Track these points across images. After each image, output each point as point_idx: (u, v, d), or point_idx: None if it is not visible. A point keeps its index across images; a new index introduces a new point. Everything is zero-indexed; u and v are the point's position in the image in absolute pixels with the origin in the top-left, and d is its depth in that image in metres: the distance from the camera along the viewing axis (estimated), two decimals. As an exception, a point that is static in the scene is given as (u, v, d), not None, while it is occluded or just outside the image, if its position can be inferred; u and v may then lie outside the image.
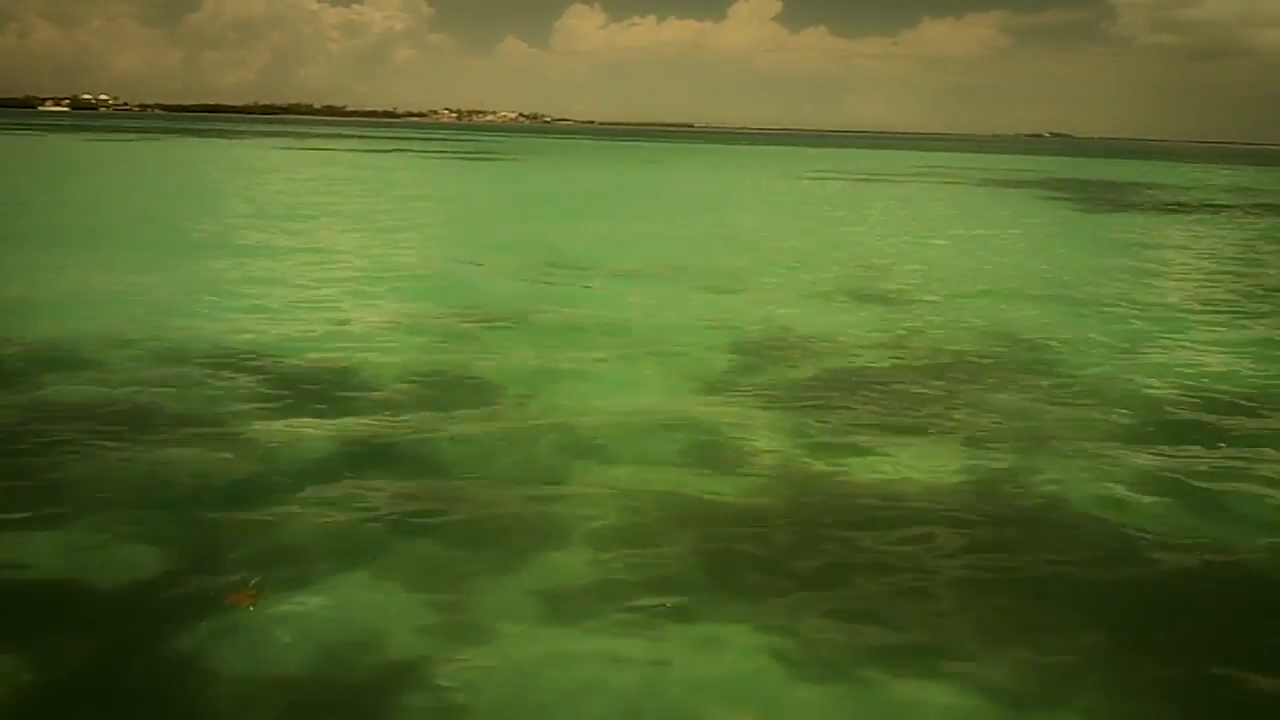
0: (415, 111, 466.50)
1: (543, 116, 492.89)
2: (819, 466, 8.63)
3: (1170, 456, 9.15)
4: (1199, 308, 17.43)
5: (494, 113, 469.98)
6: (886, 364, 12.41)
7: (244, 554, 6.61)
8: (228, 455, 8.42)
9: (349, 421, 9.43)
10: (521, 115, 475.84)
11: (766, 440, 9.27)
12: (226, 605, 5.89)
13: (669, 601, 6.17)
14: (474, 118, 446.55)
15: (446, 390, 10.70)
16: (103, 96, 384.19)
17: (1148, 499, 8.03)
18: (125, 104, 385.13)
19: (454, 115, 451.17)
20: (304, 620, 5.82)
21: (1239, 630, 6.14)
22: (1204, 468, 8.87)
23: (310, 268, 18.73)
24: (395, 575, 6.43)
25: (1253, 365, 12.96)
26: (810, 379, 11.65)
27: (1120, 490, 8.21)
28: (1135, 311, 16.80)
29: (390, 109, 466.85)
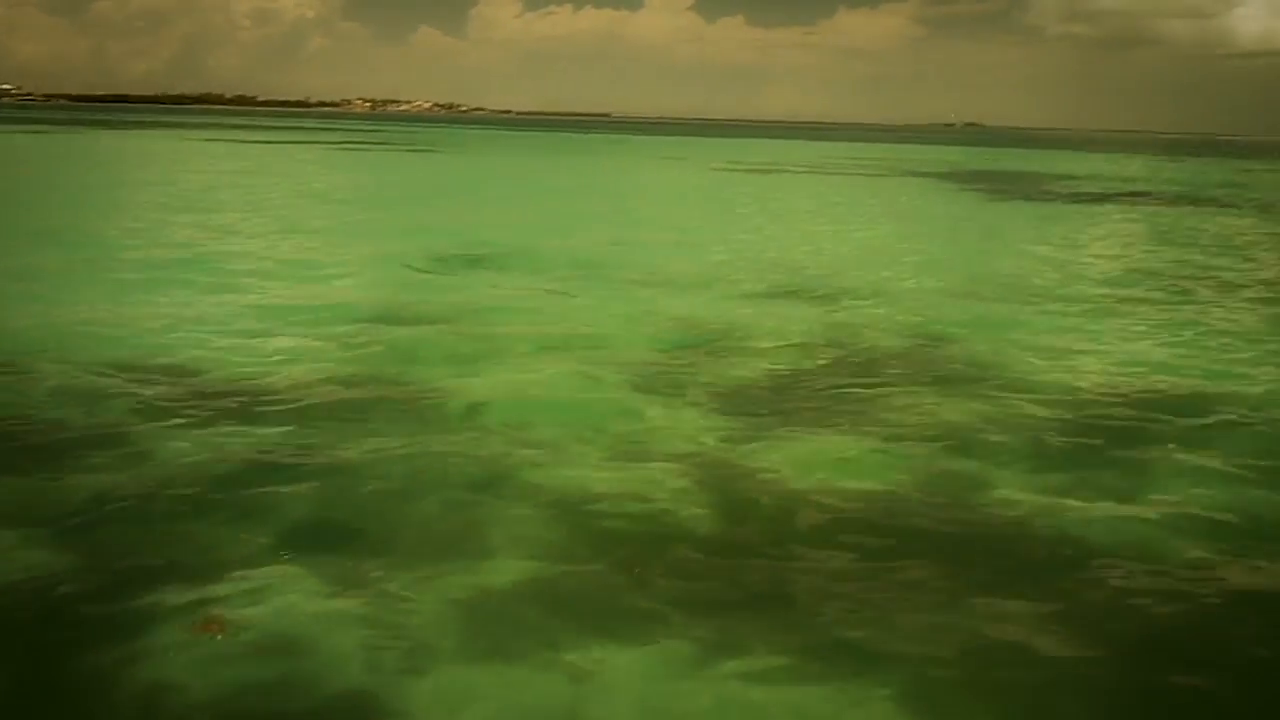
0: (328, 101, 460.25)
1: (458, 106, 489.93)
2: (742, 466, 8.54)
3: (1091, 451, 9.19)
4: (1116, 299, 17.61)
5: (409, 102, 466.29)
6: (809, 361, 12.34)
7: (156, 572, 6.32)
8: (136, 471, 8.06)
9: (261, 432, 9.13)
10: (437, 105, 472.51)
11: (687, 440, 9.18)
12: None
13: (597, 608, 6.07)
14: (388, 108, 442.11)
15: (363, 396, 10.38)
16: (5, 86, 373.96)
17: (1072, 496, 8.05)
18: (29, 94, 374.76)
19: (368, 105, 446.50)
20: (220, 640, 5.58)
21: (1163, 625, 6.16)
22: (1121, 462, 8.90)
23: (217, 270, 18.14)
24: (314, 590, 6.19)
25: (1168, 357, 13.08)
26: (734, 377, 11.51)
27: (1044, 486, 8.23)
28: (1054, 304, 16.91)
29: (303, 99, 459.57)
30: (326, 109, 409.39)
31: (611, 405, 10.24)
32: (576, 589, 6.34)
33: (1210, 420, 10.27)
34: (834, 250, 23.73)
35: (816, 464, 8.58)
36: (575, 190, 42.62)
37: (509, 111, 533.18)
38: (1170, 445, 9.46)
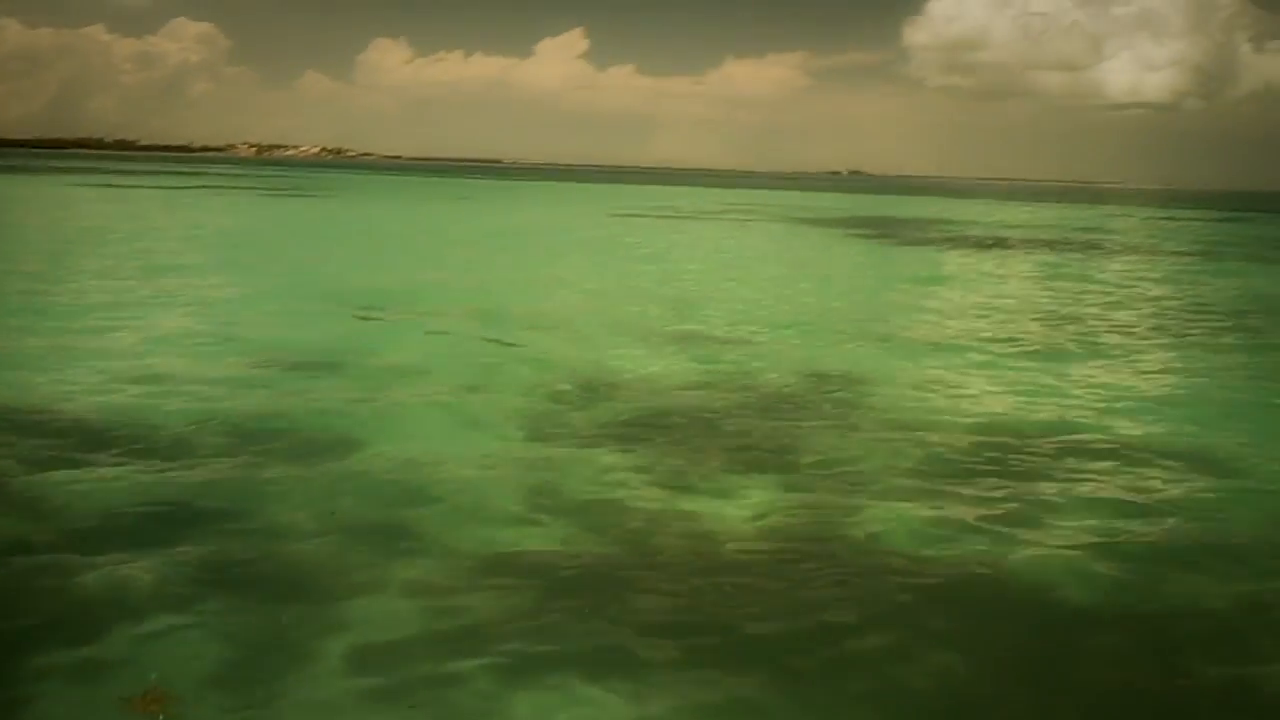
0: (212, 146, 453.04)
1: (346, 151, 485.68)
2: (637, 506, 8.49)
3: (973, 485, 9.31)
4: (998, 339, 17.91)
5: (295, 147, 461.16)
6: (701, 403, 12.28)
7: (42, 615, 6.15)
8: (22, 514, 7.78)
9: (150, 475, 8.85)
10: (324, 150, 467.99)
11: (578, 480, 9.12)
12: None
13: (492, 650, 5.95)
14: (274, 152, 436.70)
15: (254, 439, 10.10)
16: None
17: (953, 531, 8.12)
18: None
19: (253, 149, 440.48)
20: (105, 682, 5.41)
21: (1046, 654, 6.21)
22: (1003, 495, 9.03)
23: (99, 314, 17.64)
24: (205, 633, 6.04)
25: (1046, 394, 13.34)
26: (624, 417, 11.45)
27: (927, 522, 8.29)
28: (937, 344, 17.20)
29: (186, 143, 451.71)
30: (211, 153, 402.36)
31: (501, 448, 10.13)
32: (467, 629, 6.23)
33: (1085, 454, 10.49)
34: (726, 293, 23.84)
35: (706, 502, 8.55)
36: (467, 235, 42.31)
37: (398, 157, 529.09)
38: (1050, 479, 9.62)
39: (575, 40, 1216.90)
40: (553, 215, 63.06)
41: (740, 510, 8.46)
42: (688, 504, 8.59)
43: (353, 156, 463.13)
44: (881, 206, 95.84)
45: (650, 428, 11.10)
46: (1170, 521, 8.56)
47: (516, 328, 17.51)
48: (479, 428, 10.99)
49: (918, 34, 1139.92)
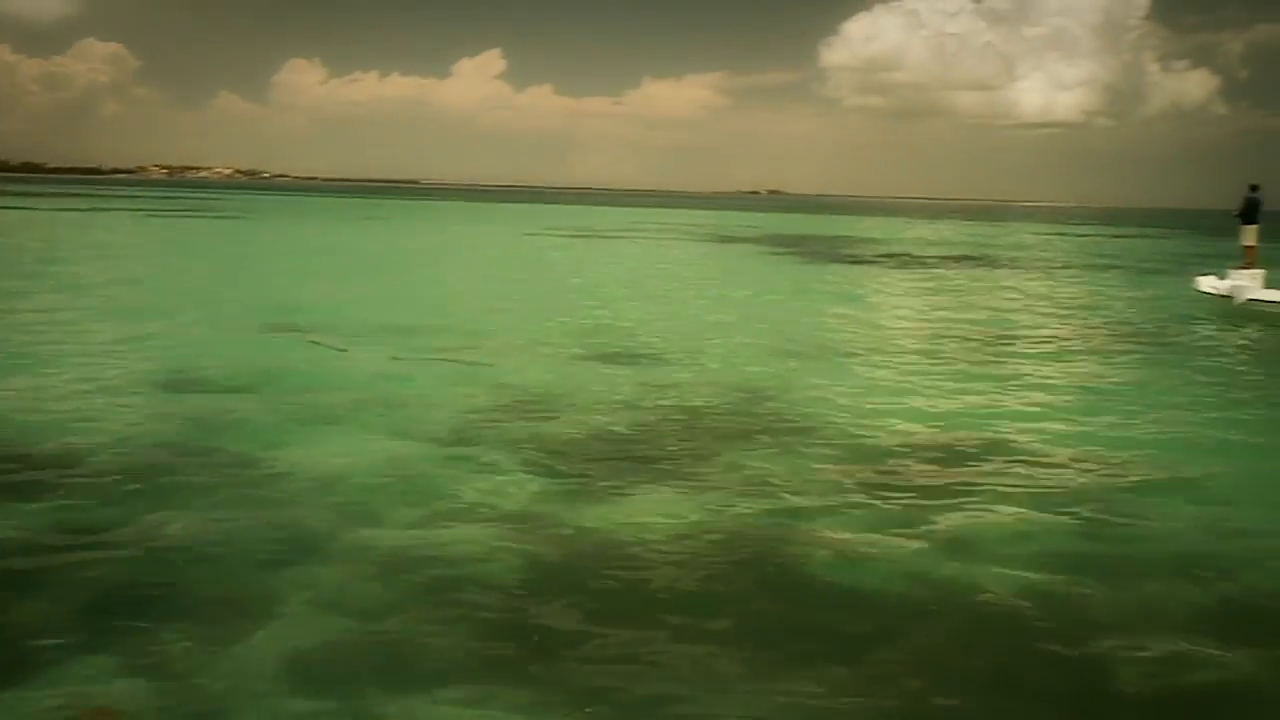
0: (123, 168, 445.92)
1: (261, 173, 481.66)
2: (559, 524, 8.32)
3: (898, 499, 9.25)
4: (918, 354, 17.97)
5: (208, 168, 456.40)
6: (625, 421, 12.09)
7: None
8: None
9: (58, 503, 8.51)
10: (238, 171, 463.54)
11: (503, 502, 8.89)
12: None
13: (414, 670, 5.81)
14: (186, 174, 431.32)
15: (168, 463, 9.76)
16: None
17: (881, 545, 8.04)
18: None
19: (164, 171, 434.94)
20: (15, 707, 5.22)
21: (975, 662, 6.16)
22: (923, 508, 8.96)
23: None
24: (119, 659, 5.83)
25: (968, 408, 13.31)
26: (547, 438, 11.19)
27: (847, 532, 8.26)
28: (860, 359, 17.17)
29: (96, 165, 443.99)
30: (121, 176, 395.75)
31: (427, 469, 9.86)
32: (390, 652, 6.01)
33: (1003, 462, 10.52)
34: (648, 311, 23.72)
35: (632, 521, 8.37)
36: (385, 256, 41.92)
37: (314, 178, 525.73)
38: (971, 488, 9.60)
39: (493, 61, 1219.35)
40: (471, 235, 62.83)
41: (657, 524, 8.30)
42: (605, 519, 8.42)
43: (268, 178, 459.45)
44: (800, 225, 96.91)
45: (566, 442, 10.92)
46: (1084, 524, 8.60)
47: (431, 345, 17.20)
48: (390, 445, 10.71)
49: (834, 54, 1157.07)
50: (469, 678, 5.77)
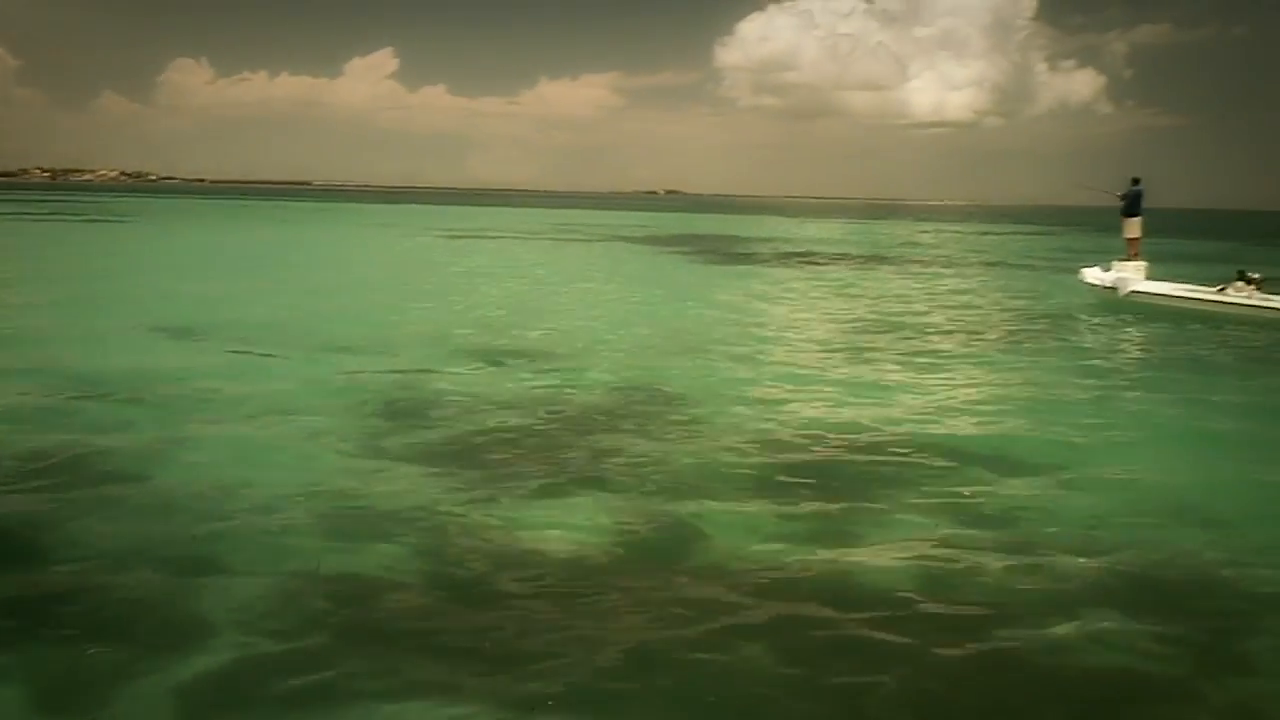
0: (3, 171, 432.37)
1: (147, 175, 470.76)
2: (457, 526, 8.24)
3: (799, 494, 9.30)
4: (812, 352, 18.13)
5: (93, 171, 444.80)
6: (520, 421, 11.98)
7: None
8: None
9: None
10: (124, 174, 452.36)
11: (402, 505, 8.76)
12: None
13: (320, 683, 5.72)
14: (70, 177, 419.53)
15: (51, 471, 9.52)
16: None
17: (781, 539, 8.08)
18: None
19: (47, 175, 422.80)
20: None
21: (879, 650, 6.20)
22: (826, 504, 9.02)
23: None
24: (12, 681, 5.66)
25: (867, 403, 13.42)
26: (445, 439, 11.09)
27: (759, 533, 8.25)
28: (760, 356, 17.25)
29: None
30: (1, 179, 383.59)
31: (323, 473, 9.68)
32: (293, 666, 5.89)
33: (900, 459, 10.60)
34: (545, 311, 23.59)
35: (532, 520, 8.33)
36: (278, 260, 41.12)
37: (203, 180, 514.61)
38: (876, 484, 9.68)
39: (385, 60, 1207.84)
40: (366, 237, 61.97)
41: (562, 527, 8.25)
42: (508, 522, 8.34)
43: (155, 180, 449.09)
44: (699, 225, 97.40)
45: (469, 446, 10.79)
46: (989, 519, 8.68)
47: (327, 350, 16.87)
48: (289, 452, 10.51)
49: (729, 54, 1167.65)
50: (377, 688, 5.67)
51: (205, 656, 5.96)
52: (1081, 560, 7.75)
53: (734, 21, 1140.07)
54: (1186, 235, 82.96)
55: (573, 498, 9.07)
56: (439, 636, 6.29)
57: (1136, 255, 27.38)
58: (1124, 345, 20.26)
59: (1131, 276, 26.25)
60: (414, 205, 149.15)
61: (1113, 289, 26.25)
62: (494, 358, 16.51)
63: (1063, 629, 6.54)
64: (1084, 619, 6.67)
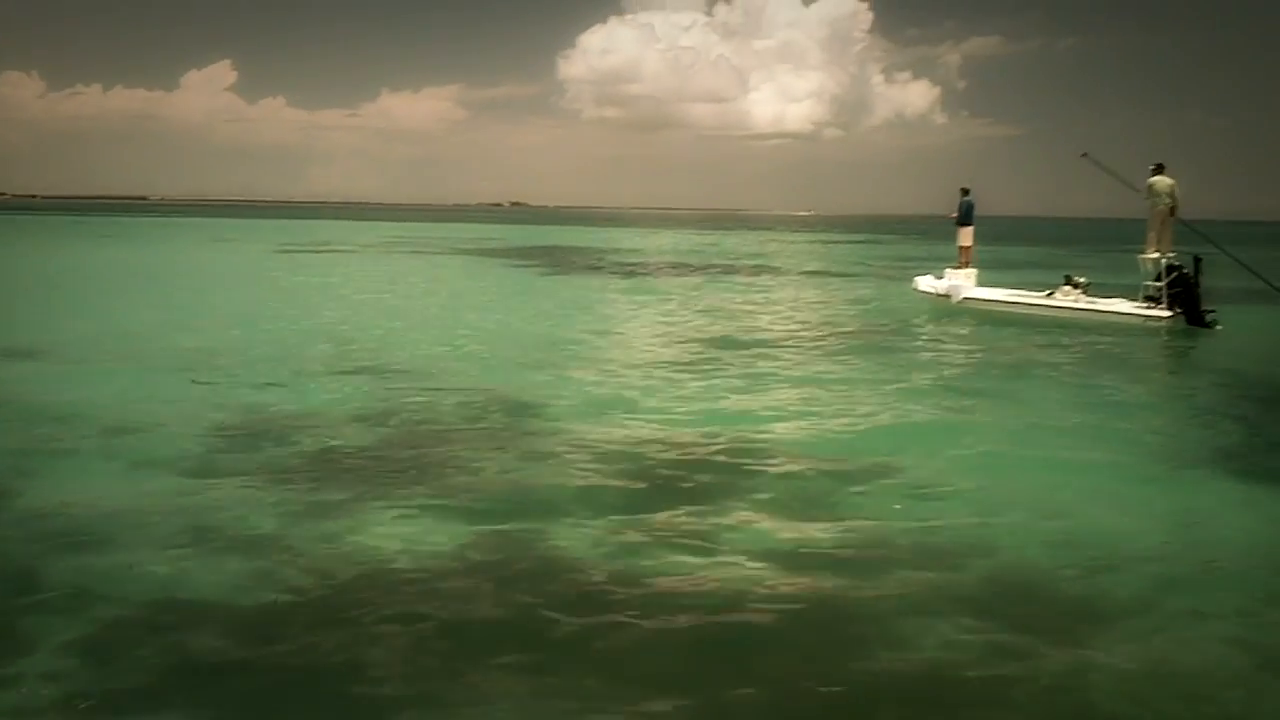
0: None
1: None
2: (306, 549, 8.05)
3: (656, 501, 9.40)
4: (661, 362, 18.28)
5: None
6: (369, 437, 11.90)
7: None
8: None
9: None
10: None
11: (251, 521, 8.64)
12: None
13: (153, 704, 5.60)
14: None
15: None
16: None
17: (629, 550, 8.14)
18: None
19: None
20: None
21: (722, 661, 6.24)
22: (676, 516, 9.09)
23: None
24: None
25: (716, 411, 13.62)
26: (294, 455, 10.96)
27: (611, 540, 8.33)
28: (610, 370, 17.32)
29: None
30: None
31: (162, 491, 9.44)
32: (133, 698, 5.69)
33: (742, 467, 10.71)
34: (388, 325, 23.34)
35: (377, 539, 8.25)
36: (112, 274, 39.85)
37: (34, 196, 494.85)
38: (725, 491, 9.79)
39: (223, 72, 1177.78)
40: (206, 252, 60.38)
41: (413, 541, 8.21)
42: (362, 537, 8.26)
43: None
44: (544, 237, 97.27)
45: (310, 465, 10.62)
46: (829, 525, 8.88)
47: (172, 367, 16.49)
48: (136, 471, 10.25)
49: (572, 67, 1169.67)
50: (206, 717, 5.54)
51: (48, 675, 5.83)
52: (920, 559, 8.00)
53: (576, 34, 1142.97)
54: (1017, 242, 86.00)
55: (417, 514, 8.98)
56: (274, 660, 6.16)
57: (968, 263, 28.43)
58: (958, 350, 20.95)
59: (963, 284, 27.22)
60: (257, 220, 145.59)
61: (946, 296, 27.16)
62: (343, 371, 16.36)
63: (904, 628, 6.71)
64: (924, 619, 6.85)
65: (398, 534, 8.40)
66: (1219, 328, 22.91)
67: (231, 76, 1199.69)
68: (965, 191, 29.06)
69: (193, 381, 15.18)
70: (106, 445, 11.31)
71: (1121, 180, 25.13)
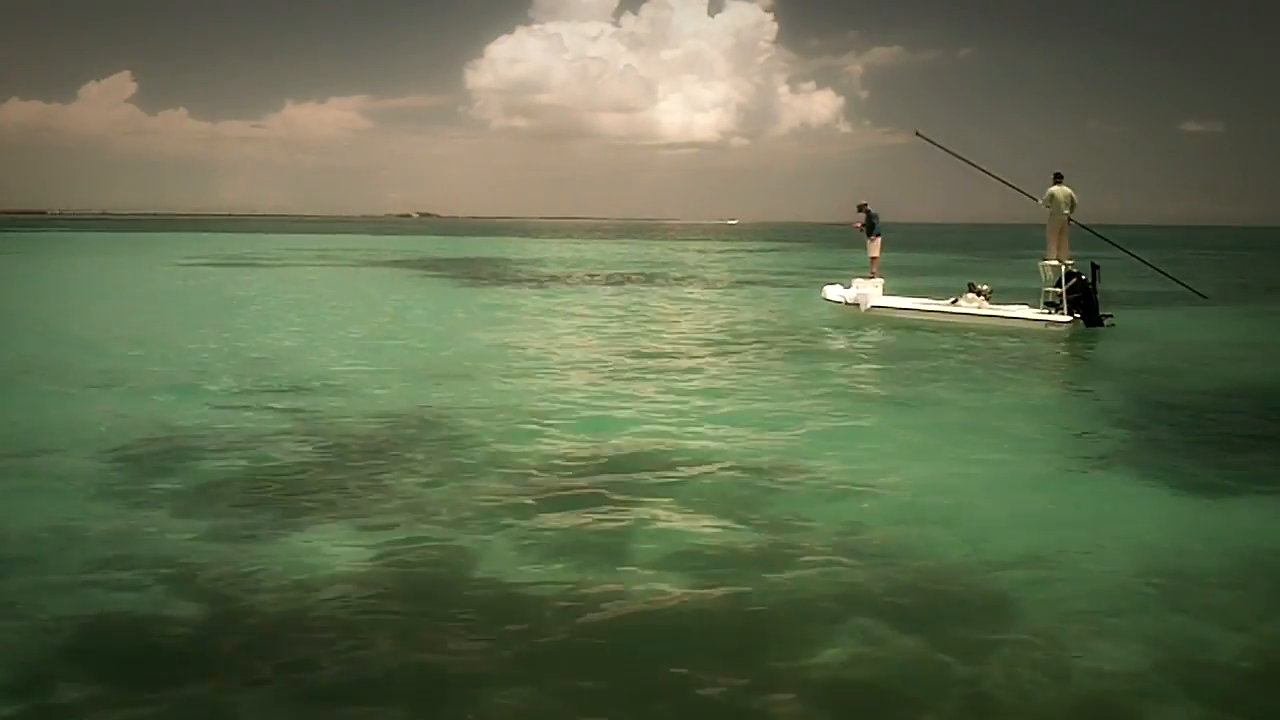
0: None
1: None
2: (222, 568, 7.99)
3: (576, 513, 9.50)
4: (567, 371, 18.46)
5: None
6: (283, 454, 11.85)
7: None
8: None
9: None
10: None
11: (163, 543, 8.58)
12: None
13: None
14: None
15: None
16: None
17: (562, 558, 8.26)
18: None
19: None
20: None
21: (653, 671, 6.29)
22: (597, 521, 9.28)
23: None
24: None
25: (627, 425, 13.67)
26: (209, 478, 10.81)
27: (524, 551, 8.42)
28: (526, 381, 17.37)
29: None
30: None
31: (72, 514, 9.32)
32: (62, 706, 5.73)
33: (658, 476, 10.83)
34: (303, 339, 23.17)
35: (297, 553, 8.30)
36: (9, 292, 39.00)
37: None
38: (645, 498, 9.96)
39: (122, 83, 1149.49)
40: (107, 267, 59.13)
41: (332, 558, 8.21)
42: (278, 557, 8.24)
43: None
44: (455, 248, 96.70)
45: (227, 484, 10.54)
46: (749, 529, 9.08)
47: (76, 386, 16.26)
48: (41, 494, 10.12)
49: (480, 77, 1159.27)
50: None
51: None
52: (832, 561, 8.23)
53: (483, 44, 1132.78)
54: (918, 249, 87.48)
55: (337, 531, 8.98)
56: (195, 681, 6.13)
57: (876, 273, 29.10)
58: (866, 357, 21.37)
59: (871, 293, 27.82)
60: (161, 233, 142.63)
61: (855, 305, 27.74)
62: (245, 388, 16.21)
63: (814, 629, 6.91)
64: (835, 619, 7.05)
65: (312, 552, 8.39)
66: (1112, 324, 24.33)
67: (131, 88, 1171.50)
68: (861, 207, 29.87)
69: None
70: (7, 466, 11.16)
71: (953, 154, 27.91)
